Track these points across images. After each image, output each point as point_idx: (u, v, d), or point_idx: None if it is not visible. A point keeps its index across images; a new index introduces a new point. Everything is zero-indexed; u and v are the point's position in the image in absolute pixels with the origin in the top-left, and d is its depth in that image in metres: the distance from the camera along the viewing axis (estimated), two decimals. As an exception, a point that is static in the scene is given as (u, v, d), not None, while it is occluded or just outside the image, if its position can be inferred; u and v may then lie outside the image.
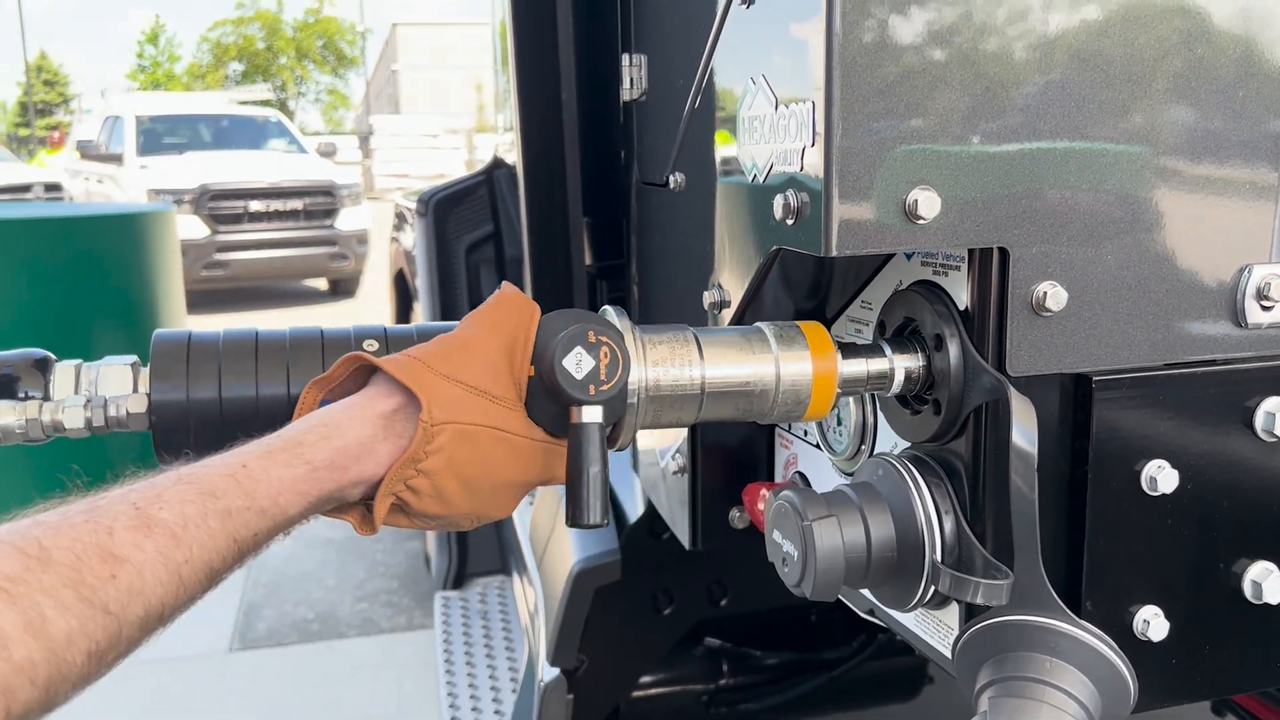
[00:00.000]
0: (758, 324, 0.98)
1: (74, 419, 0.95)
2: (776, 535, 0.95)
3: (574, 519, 0.91)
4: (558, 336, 0.90)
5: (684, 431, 1.28)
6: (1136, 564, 0.90)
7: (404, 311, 4.16)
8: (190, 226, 9.99)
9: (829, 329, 1.10)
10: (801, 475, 1.21)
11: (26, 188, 13.59)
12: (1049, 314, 0.84)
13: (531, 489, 0.98)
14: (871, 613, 1.09)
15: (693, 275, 1.21)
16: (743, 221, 1.03)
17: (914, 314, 0.93)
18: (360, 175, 17.74)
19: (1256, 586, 0.92)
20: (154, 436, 0.97)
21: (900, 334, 0.95)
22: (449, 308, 3.24)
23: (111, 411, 0.96)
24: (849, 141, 0.79)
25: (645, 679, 2.03)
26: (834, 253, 0.81)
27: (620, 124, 1.49)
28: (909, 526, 0.89)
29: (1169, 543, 0.90)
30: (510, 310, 0.95)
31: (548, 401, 0.92)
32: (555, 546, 1.90)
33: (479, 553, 3.44)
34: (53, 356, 0.98)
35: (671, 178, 1.27)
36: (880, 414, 1.02)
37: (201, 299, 10.36)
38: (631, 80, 1.39)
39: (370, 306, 10.61)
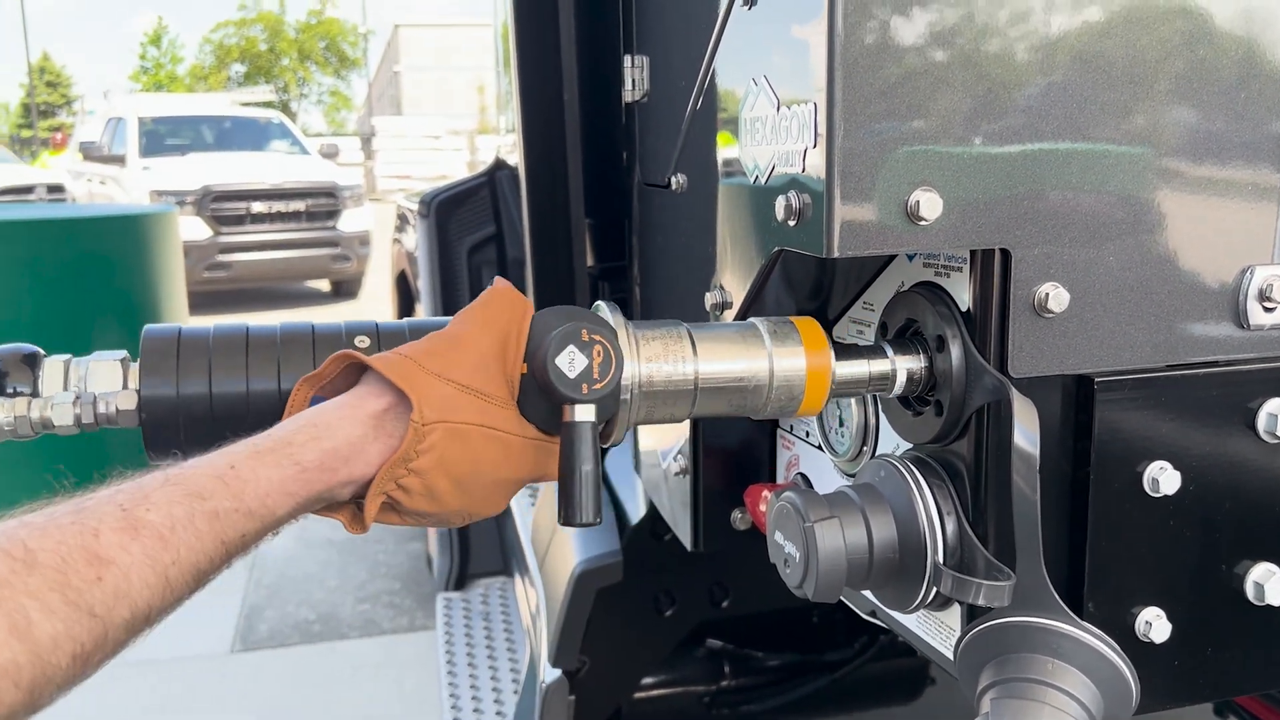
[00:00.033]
0: (751, 319, 0.98)
1: (63, 416, 0.94)
2: (778, 536, 0.94)
3: (567, 518, 0.91)
4: (550, 335, 0.90)
5: (686, 433, 1.28)
6: (1138, 565, 0.90)
7: (406, 313, 4.16)
8: (193, 228, 10.01)
9: (831, 330, 1.11)
10: (803, 476, 1.21)
11: (29, 189, 13.61)
12: (1051, 315, 0.84)
13: (523, 486, 0.97)
14: (873, 614, 1.09)
15: (694, 276, 1.21)
16: (744, 223, 1.03)
17: (916, 315, 0.93)
18: (362, 177, 17.75)
19: (1258, 588, 0.91)
20: (144, 433, 0.96)
21: (902, 335, 0.95)
22: (451, 309, 3.22)
23: (101, 408, 0.95)
24: (851, 143, 0.79)
25: (647, 680, 2.03)
26: (836, 254, 0.80)
27: (622, 125, 1.49)
28: (911, 528, 0.89)
29: (1171, 544, 0.90)
30: (502, 307, 0.95)
31: (540, 400, 0.92)
32: (557, 548, 1.90)
33: (481, 554, 3.44)
34: (41, 352, 0.97)
35: (673, 179, 1.27)
36: (882, 415, 1.02)
37: (204, 300, 10.37)
38: (633, 81, 1.39)
39: (372, 308, 10.61)
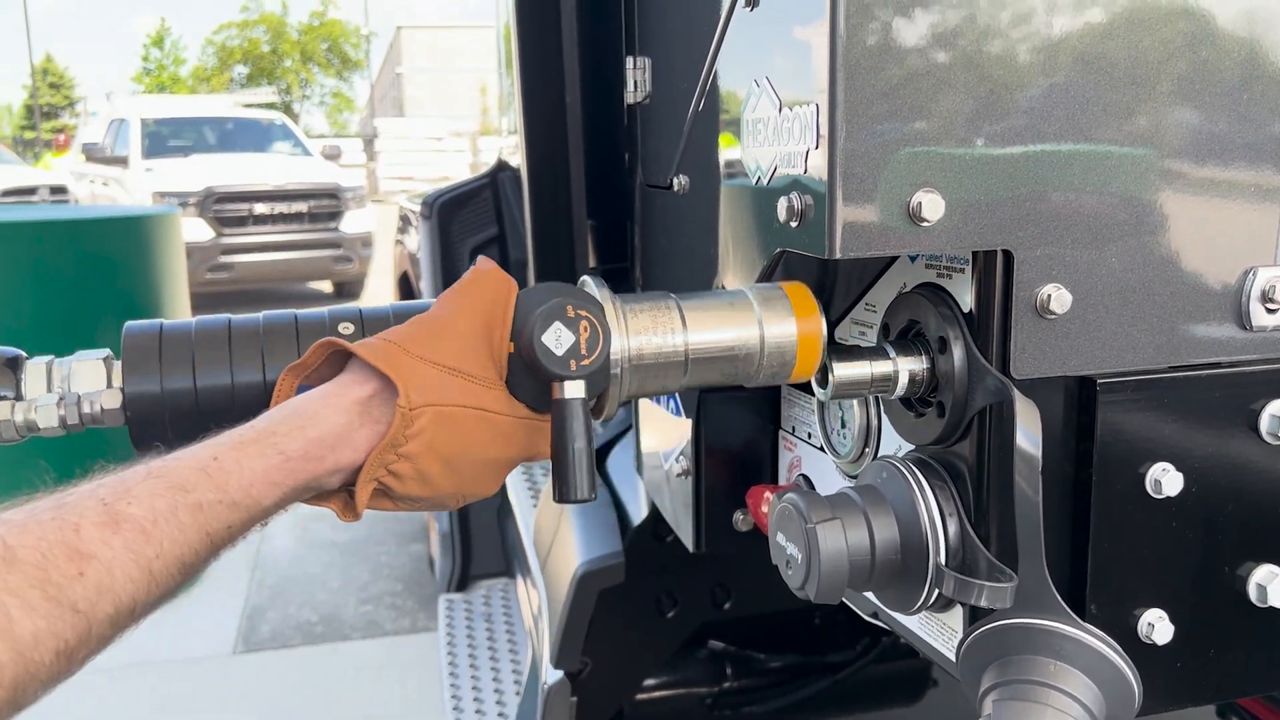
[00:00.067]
0: (740, 287, 0.98)
1: (47, 418, 0.93)
2: (780, 538, 0.94)
3: (561, 495, 0.90)
4: (535, 312, 0.89)
5: (688, 434, 1.28)
6: (1141, 567, 0.90)
7: (408, 314, 4.16)
8: (195, 229, 10.01)
9: (833, 331, 1.11)
10: (805, 478, 1.21)
11: (32, 190, 13.63)
12: (1053, 316, 0.84)
13: (516, 466, 0.96)
14: (875, 616, 1.09)
15: (697, 278, 1.21)
16: (747, 224, 1.03)
17: (918, 316, 0.93)
18: (365, 178, 17.75)
19: (1261, 590, 0.91)
20: (130, 431, 0.95)
21: (904, 336, 0.95)
22: (453, 310, 3.23)
23: (85, 408, 0.94)
24: (853, 144, 0.79)
25: (649, 682, 2.03)
26: (838, 255, 0.80)
27: (624, 127, 1.49)
28: (913, 529, 0.89)
29: (1173, 546, 0.90)
30: (486, 287, 0.94)
31: (528, 378, 0.91)
32: (559, 549, 1.90)
33: (483, 555, 3.44)
34: (23, 355, 0.96)
35: (675, 180, 1.27)
36: (884, 417, 1.02)
37: (206, 301, 10.38)
38: (635, 83, 1.39)
39: (374, 309, 10.60)
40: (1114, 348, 0.87)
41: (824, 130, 0.80)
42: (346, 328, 1.00)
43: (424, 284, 3.42)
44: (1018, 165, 0.82)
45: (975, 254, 0.86)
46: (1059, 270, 0.84)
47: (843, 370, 0.94)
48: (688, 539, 1.33)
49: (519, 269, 3.08)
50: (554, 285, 0.94)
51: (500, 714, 2.51)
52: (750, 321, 0.95)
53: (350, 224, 11.08)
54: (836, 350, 0.95)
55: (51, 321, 3.74)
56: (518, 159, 1.76)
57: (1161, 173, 0.86)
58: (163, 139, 12.41)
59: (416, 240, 3.62)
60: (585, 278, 0.97)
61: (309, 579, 4.37)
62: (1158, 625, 0.89)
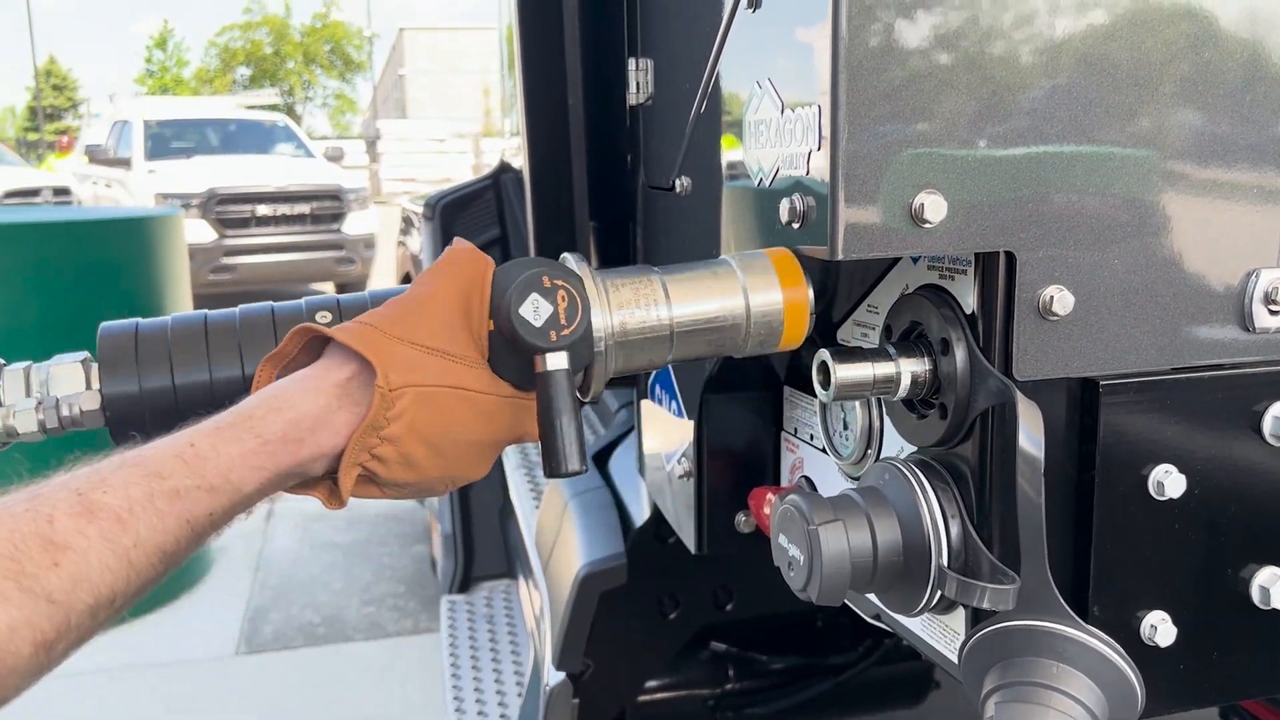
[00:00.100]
0: (724, 256, 0.97)
1: (26, 423, 0.92)
2: (782, 539, 0.94)
3: (552, 469, 0.89)
4: (511, 286, 0.87)
5: (690, 435, 1.28)
6: (1143, 569, 0.90)
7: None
8: (198, 230, 10.02)
9: (835, 333, 1.11)
10: (807, 479, 1.21)
11: (35, 192, 13.64)
12: (1055, 318, 0.84)
13: (504, 447, 0.95)
14: (878, 617, 1.09)
15: (699, 279, 1.21)
16: (749, 225, 1.03)
17: (920, 318, 0.93)
18: (367, 179, 17.76)
19: (1264, 592, 0.91)
20: (110, 431, 0.95)
21: (906, 338, 0.95)
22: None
23: (65, 411, 0.93)
24: (855, 145, 0.79)
25: (651, 683, 2.03)
26: (840, 256, 0.80)
27: (626, 128, 1.49)
28: (915, 531, 0.89)
29: (1176, 548, 0.90)
30: (463, 265, 0.92)
31: (510, 354, 0.90)
32: (561, 550, 1.90)
33: (485, 557, 3.44)
34: (1, 360, 0.96)
35: (678, 182, 1.27)
36: (886, 418, 1.02)
37: (209, 303, 10.32)
38: (638, 84, 1.39)
39: (377, 310, 10.61)
40: (1116, 349, 0.87)
41: (826, 132, 0.80)
42: (324, 316, 0.99)
43: (426, 285, 3.42)
44: (1020, 166, 0.82)
45: (977, 255, 0.86)
46: (1061, 272, 0.84)
47: (845, 372, 0.94)
48: (690, 540, 1.33)
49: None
50: (530, 259, 0.92)
51: (502, 715, 2.51)
52: (735, 291, 0.93)
53: (353, 225, 11.09)
54: (838, 352, 0.95)
55: (54, 323, 3.74)
56: (520, 160, 1.76)
57: (1164, 174, 0.86)
58: (165, 141, 12.43)
59: (419, 241, 3.63)
60: (565, 254, 0.95)
61: (311, 580, 4.37)
62: (1160, 627, 0.89)
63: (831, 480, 1.15)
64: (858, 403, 1.06)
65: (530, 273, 0.88)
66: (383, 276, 10.95)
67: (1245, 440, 0.91)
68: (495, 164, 3.43)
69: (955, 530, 0.88)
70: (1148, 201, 0.85)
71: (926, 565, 0.88)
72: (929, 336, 0.92)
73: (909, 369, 0.92)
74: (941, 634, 0.96)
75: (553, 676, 1.80)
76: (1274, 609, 0.91)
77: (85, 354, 0.97)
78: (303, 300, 1.02)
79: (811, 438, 1.20)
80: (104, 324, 0.98)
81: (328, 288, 12.01)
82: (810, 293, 0.94)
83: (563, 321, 0.87)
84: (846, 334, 1.10)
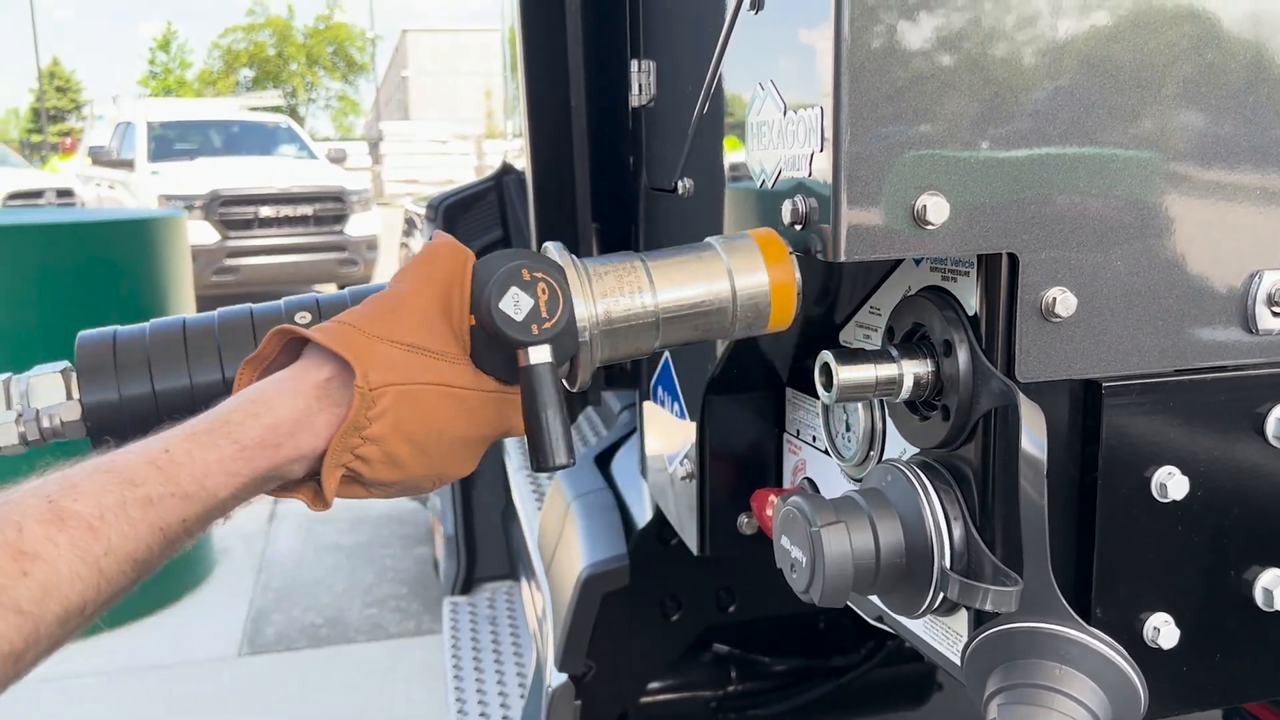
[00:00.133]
0: (708, 239, 0.96)
1: (6, 436, 0.91)
2: (785, 541, 0.94)
3: (539, 463, 0.88)
4: (490, 280, 0.86)
5: (693, 437, 1.28)
6: (1146, 571, 0.89)
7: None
8: (201, 232, 10.04)
9: (838, 334, 1.11)
10: (810, 481, 1.21)
11: (39, 193, 13.67)
12: (1058, 320, 0.84)
13: (490, 443, 0.94)
14: (880, 619, 1.09)
15: (701, 281, 1.21)
16: (751, 227, 1.02)
17: (923, 319, 0.93)
18: (370, 181, 17.79)
19: (1268, 594, 0.91)
20: (93, 442, 0.94)
21: (909, 339, 0.95)
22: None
23: (45, 423, 0.92)
24: (858, 147, 0.79)
25: (653, 685, 2.03)
26: (842, 258, 0.80)
27: (629, 130, 1.49)
28: (918, 533, 0.88)
29: (1179, 550, 0.90)
30: (441, 260, 0.91)
31: (493, 349, 0.88)
32: (563, 552, 1.90)
33: (487, 558, 3.44)
34: None
35: (680, 183, 1.27)
36: (889, 420, 1.02)
37: (212, 304, 10.35)
38: (640, 86, 1.39)
39: (380, 312, 10.61)
40: (1119, 351, 0.87)
41: (829, 133, 0.80)
42: (304, 317, 0.98)
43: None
44: (1023, 168, 0.82)
45: (980, 257, 0.86)
46: (1064, 273, 0.84)
47: (847, 373, 0.94)
48: (692, 542, 1.33)
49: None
50: (511, 251, 0.91)
51: (504, 717, 2.51)
52: (720, 274, 0.92)
53: (355, 227, 11.10)
54: (841, 353, 0.95)
55: (57, 325, 3.73)
56: (522, 162, 1.76)
57: (1167, 176, 0.85)
58: (168, 142, 12.46)
59: (422, 243, 3.63)
60: (548, 244, 0.94)
61: (314, 582, 4.37)
62: (1163, 629, 0.89)
63: (834, 482, 1.15)
64: (860, 404, 1.06)
65: (510, 266, 0.86)
66: (386, 278, 10.95)
67: (1248, 442, 0.90)
68: (498, 166, 3.43)
69: (958, 532, 0.88)
70: (1150, 203, 0.85)
71: (929, 567, 0.87)
72: (931, 338, 0.92)
73: (911, 371, 0.92)
74: (944, 636, 0.96)
75: (555, 678, 1.80)
76: (1277, 611, 0.91)
77: (65, 364, 0.96)
78: (282, 301, 1.01)
79: (814, 439, 1.20)
80: (81, 333, 0.97)
81: (330, 289, 12.02)
82: (797, 272, 0.92)
83: (544, 314, 0.86)
84: (849, 335, 1.10)
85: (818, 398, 1.02)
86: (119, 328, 0.98)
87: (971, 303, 0.88)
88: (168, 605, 4.11)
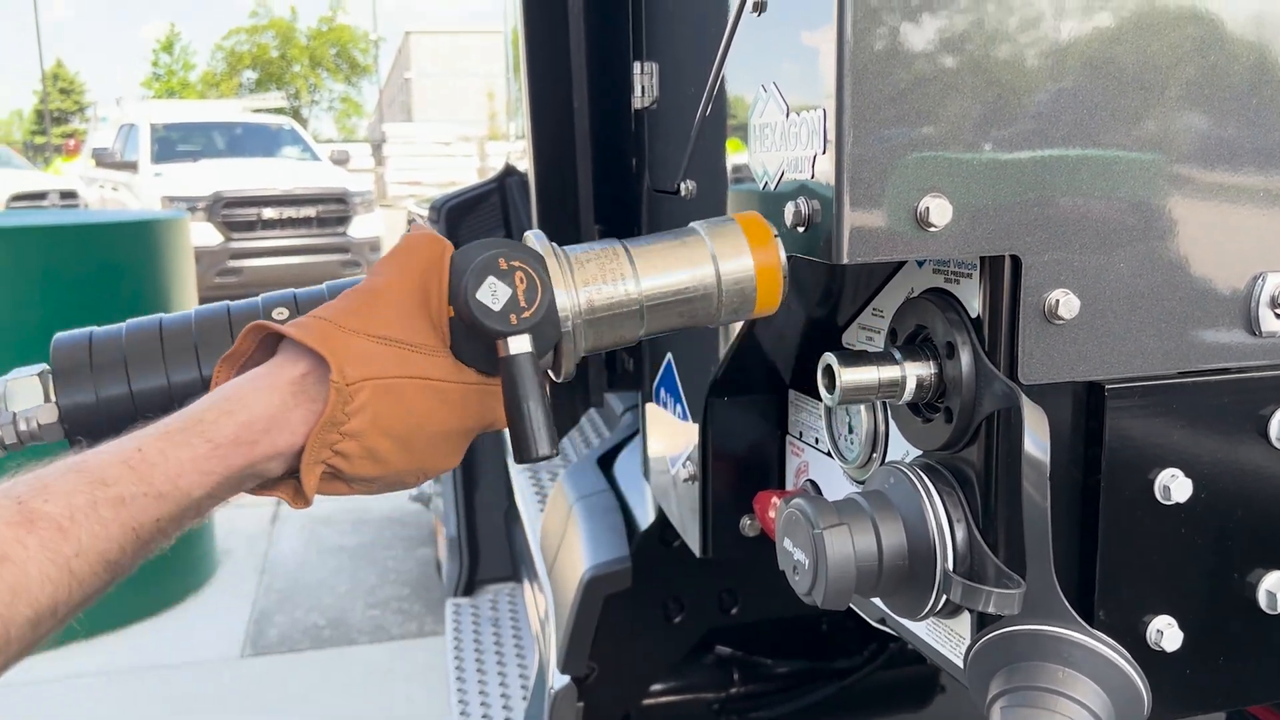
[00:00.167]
0: (691, 224, 0.95)
1: None
2: (787, 543, 0.94)
3: (521, 455, 0.86)
4: (467, 270, 0.85)
5: (695, 439, 1.28)
6: (1150, 573, 0.89)
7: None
8: (204, 233, 10.06)
9: (840, 336, 1.11)
10: (813, 483, 1.21)
11: (42, 195, 13.69)
12: (1061, 322, 0.84)
13: (474, 435, 0.93)
14: (883, 621, 1.08)
15: (704, 282, 1.21)
16: (754, 229, 1.02)
17: (925, 321, 0.93)
18: (373, 182, 17.80)
19: (1271, 597, 0.91)
20: (71, 445, 0.93)
21: (912, 341, 0.95)
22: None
23: (23, 426, 0.91)
24: (860, 149, 0.79)
25: (656, 687, 2.03)
26: (845, 260, 0.80)
27: (632, 132, 1.49)
28: (920, 535, 0.88)
29: (1182, 552, 0.90)
30: (418, 251, 0.90)
31: (472, 340, 0.87)
32: (566, 554, 1.90)
33: (490, 560, 3.44)
34: None
35: (683, 185, 1.27)
36: (892, 422, 1.02)
37: (215, 306, 10.41)
38: (643, 88, 1.39)
39: (382, 313, 10.63)
40: (1122, 353, 0.86)
41: (831, 135, 0.80)
42: (281, 312, 0.96)
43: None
44: (1026, 170, 0.82)
45: (983, 259, 0.86)
46: (1067, 275, 0.84)
47: (850, 375, 0.94)
48: (695, 544, 1.33)
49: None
50: (489, 240, 0.90)
51: (506, 718, 2.51)
52: (704, 259, 0.91)
53: (358, 229, 11.12)
54: (844, 355, 0.95)
55: (61, 326, 3.72)
56: (525, 164, 1.76)
57: (1170, 177, 0.85)
58: (172, 144, 12.48)
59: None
60: (528, 232, 0.93)
61: (317, 583, 4.37)
62: (1167, 632, 0.89)
63: (836, 484, 1.15)
64: (863, 406, 1.06)
65: (486, 255, 0.85)
66: (388, 279, 10.95)
67: (1252, 444, 0.90)
68: (500, 167, 3.43)
69: (960, 534, 0.88)
70: (1153, 205, 0.85)
71: (932, 569, 0.87)
72: (934, 340, 0.92)
73: (914, 373, 0.92)
74: (947, 638, 0.96)
75: (557, 680, 1.80)
76: (1281, 614, 0.91)
77: (43, 366, 0.95)
78: (259, 297, 1.00)
79: (816, 441, 1.19)
80: (57, 335, 0.96)
81: (333, 291, 12.03)
82: (783, 254, 0.91)
83: (522, 304, 0.85)
84: (851, 337, 1.10)
85: (820, 400, 1.02)
86: (95, 329, 0.97)
87: (974, 305, 0.88)
88: (171, 606, 4.12)
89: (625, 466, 2.00)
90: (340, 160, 13.51)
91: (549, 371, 0.92)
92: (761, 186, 0.97)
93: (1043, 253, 0.83)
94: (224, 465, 0.81)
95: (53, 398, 0.93)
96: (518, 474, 2.78)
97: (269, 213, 10.69)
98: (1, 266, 3.76)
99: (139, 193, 11.58)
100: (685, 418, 1.34)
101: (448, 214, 3.26)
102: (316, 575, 4.45)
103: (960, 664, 0.91)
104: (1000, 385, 0.84)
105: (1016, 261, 0.83)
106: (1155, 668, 0.86)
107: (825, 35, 0.80)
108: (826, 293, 1.08)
